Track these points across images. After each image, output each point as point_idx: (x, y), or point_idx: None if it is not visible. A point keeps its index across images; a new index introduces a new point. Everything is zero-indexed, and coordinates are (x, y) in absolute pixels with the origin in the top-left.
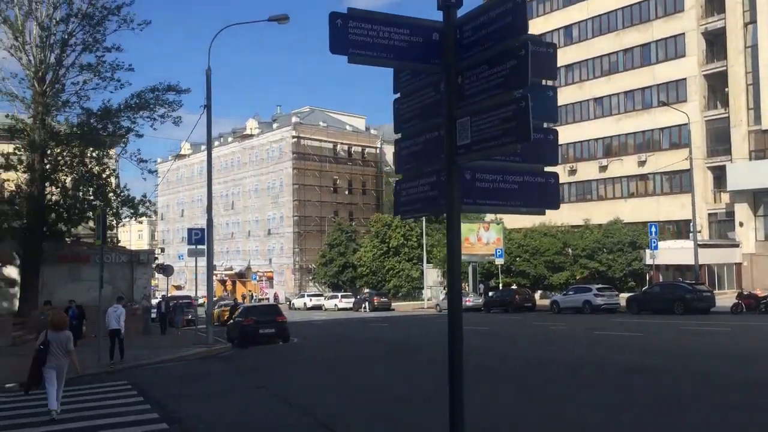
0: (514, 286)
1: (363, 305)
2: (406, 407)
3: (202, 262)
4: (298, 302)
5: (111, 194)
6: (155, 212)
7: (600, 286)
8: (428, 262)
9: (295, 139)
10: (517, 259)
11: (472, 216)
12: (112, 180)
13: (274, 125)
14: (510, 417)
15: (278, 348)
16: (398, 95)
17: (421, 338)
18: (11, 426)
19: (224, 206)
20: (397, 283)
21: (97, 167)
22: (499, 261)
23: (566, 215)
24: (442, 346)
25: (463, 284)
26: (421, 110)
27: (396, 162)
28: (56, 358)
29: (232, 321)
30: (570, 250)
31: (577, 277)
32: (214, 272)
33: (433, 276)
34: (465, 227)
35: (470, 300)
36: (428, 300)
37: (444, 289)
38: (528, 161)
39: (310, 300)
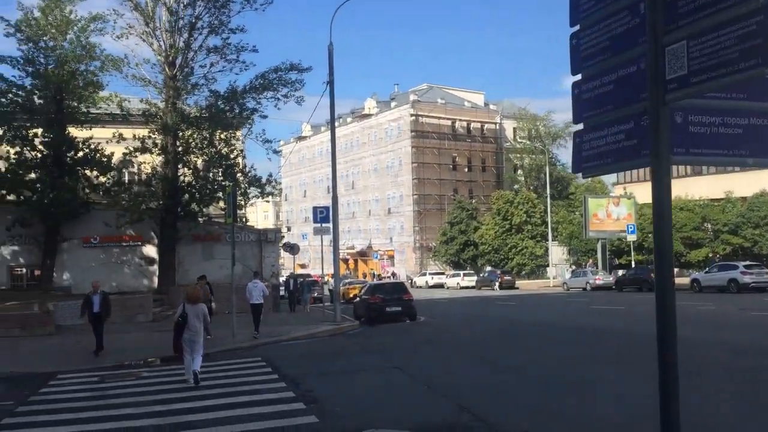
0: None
1: (495, 284)
2: (561, 394)
3: (326, 240)
4: (419, 280)
5: (239, 174)
6: (280, 191)
7: (748, 263)
8: (553, 239)
9: (414, 118)
10: (650, 235)
11: (599, 189)
12: (240, 160)
13: (392, 104)
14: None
15: (406, 326)
16: (576, 28)
17: (554, 317)
18: (156, 401)
19: (345, 186)
20: (521, 261)
21: (225, 148)
22: (632, 237)
23: (705, 188)
24: (578, 325)
25: (591, 261)
26: (612, 41)
27: (575, 109)
28: (193, 328)
29: (358, 299)
30: (710, 226)
31: (719, 254)
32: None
33: (558, 253)
34: (593, 202)
35: (600, 278)
36: (553, 278)
37: (570, 266)
38: (755, 99)
39: (432, 278)
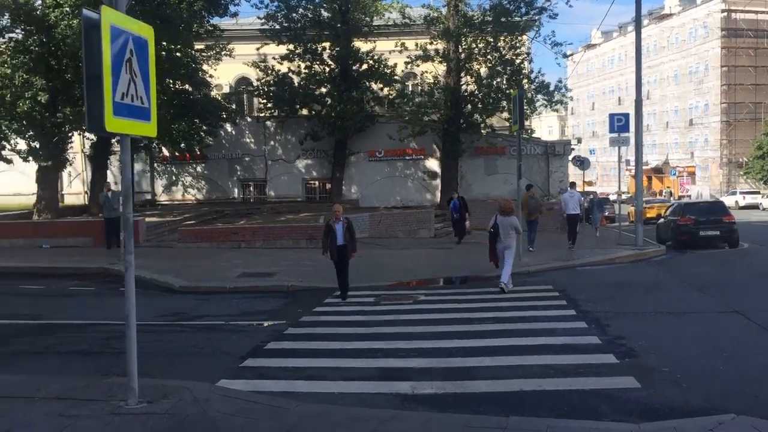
0: None
1: None
2: None
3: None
4: (728, 200)
5: (525, 81)
6: (570, 99)
7: None
8: None
9: (725, 14)
10: None
11: None
12: (526, 65)
13: (698, 0)
14: None
15: (726, 255)
16: None
17: None
18: (431, 335)
19: None
20: None
21: (510, 54)
22: None
23: None
24: None
25: None
26: None
27: None
28: (505, 238)
29: (663, 220)
30: None
31: None
32: (627, 168)
33: None
34: None
35: None
36: None
37: None
38: None
39: (743, 198)
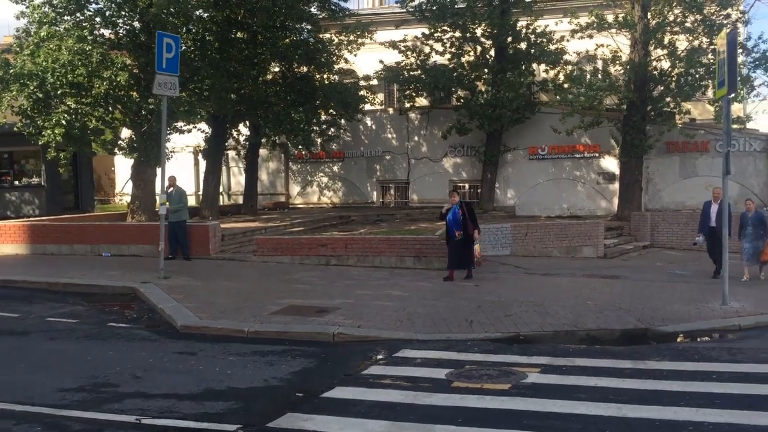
0: None
1: None
2: None
3: None
4: None
5: (739, 50)
6: None
7: None
8: None
9: None
10: None
11: None
12: (741, 28)
13: None
14: None
15: None
16: None
17: None
18: None
19: None
20: None
21: (718, 15)
22: None
23: None
24: None
25: None
26: None
27: None
28: None
29: None
30: None
31: None
32: None
33: None
34: None
35: None
36: None
37: None
38: None
39: None
